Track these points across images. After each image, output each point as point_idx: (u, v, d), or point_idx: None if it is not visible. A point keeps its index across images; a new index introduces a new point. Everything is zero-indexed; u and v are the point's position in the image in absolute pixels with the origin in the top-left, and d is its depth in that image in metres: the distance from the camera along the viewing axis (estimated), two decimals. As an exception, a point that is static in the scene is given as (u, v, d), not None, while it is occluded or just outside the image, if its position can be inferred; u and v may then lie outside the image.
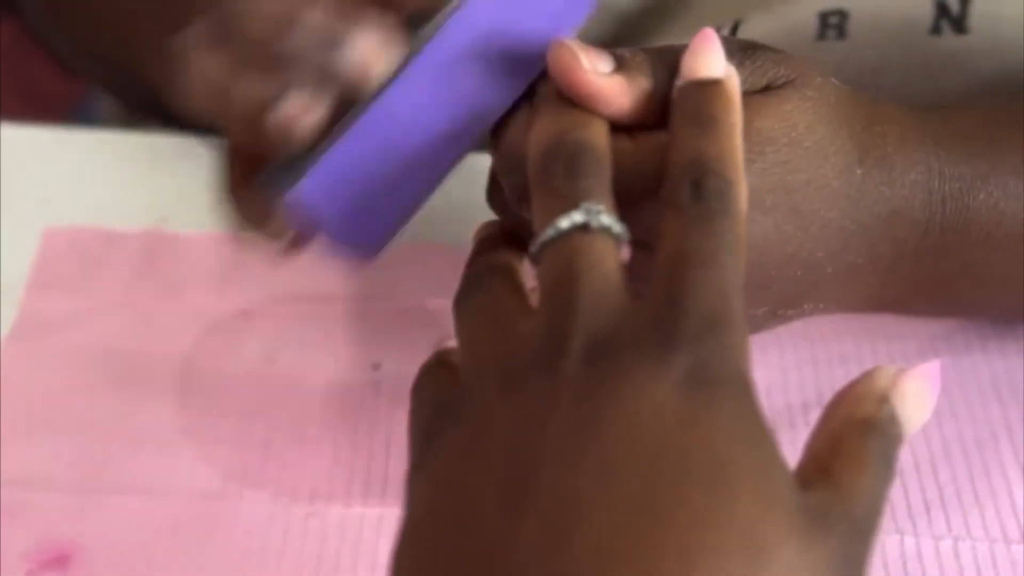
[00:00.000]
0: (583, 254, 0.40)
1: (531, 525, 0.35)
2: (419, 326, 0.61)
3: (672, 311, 0.38)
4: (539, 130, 0.44)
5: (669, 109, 0.44)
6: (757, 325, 0.49)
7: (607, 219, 0.40)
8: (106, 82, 0.76)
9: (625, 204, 0.42)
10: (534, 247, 0.41)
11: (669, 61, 0.45)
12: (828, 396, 0.52)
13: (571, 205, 0.41)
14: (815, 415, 0.55)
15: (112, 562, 0.53)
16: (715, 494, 0.35)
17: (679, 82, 0.44)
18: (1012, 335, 0.60)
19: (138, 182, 0.66)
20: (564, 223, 0.40)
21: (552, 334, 0.39)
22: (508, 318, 0.41)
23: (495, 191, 0.48)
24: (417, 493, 0.39)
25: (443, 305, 0.60)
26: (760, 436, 0.37)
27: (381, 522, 0.54)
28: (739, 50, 0.47)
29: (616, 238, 0.41)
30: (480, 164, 0.66)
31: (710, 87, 0.44)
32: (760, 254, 0.46)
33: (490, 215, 0.64)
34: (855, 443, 0.38)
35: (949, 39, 0.60)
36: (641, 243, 0.42)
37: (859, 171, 0.48)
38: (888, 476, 0.38)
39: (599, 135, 0.43)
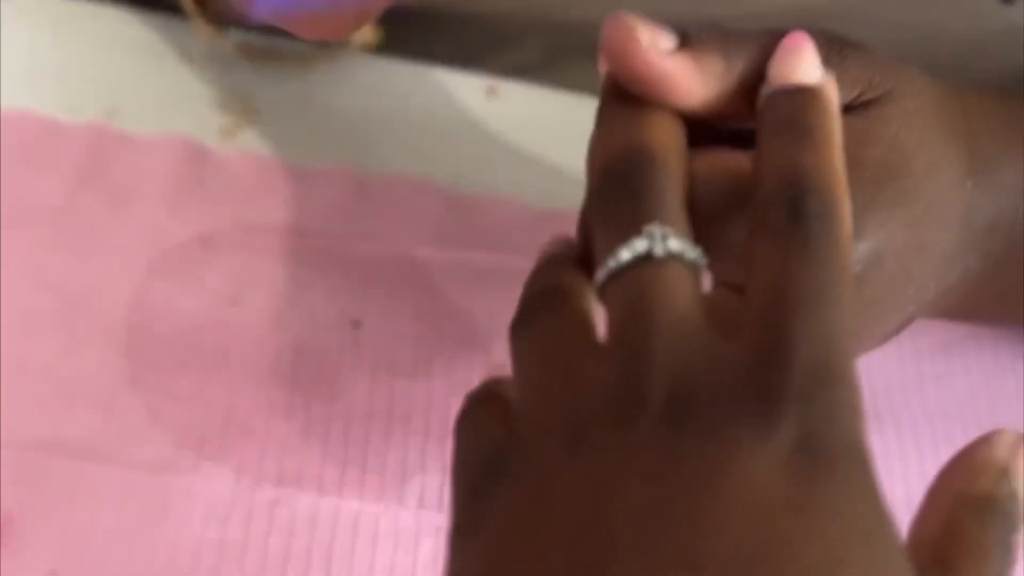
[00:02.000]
0: (652, 288, 0.33)
1: None
2: (404, 279, 0.54)
3: (773, 361, 0.32)
4: (598, 144, 0.37)
5: (756, 111, 0.37)
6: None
7: (676, 244, 0.34)
8: None
9: (707, 228, 0.36)
10: (598, 281, 0.35)
11: (747, 44, 0.39)
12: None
13: (633, 231, 0.34)
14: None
15: (49, 535, 0.46)
16: None
17: (766, 89, 0.37)
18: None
19: (86, 62, 0.57)
20: (625, 254, 0.34)
21: (626, 383, 0.32)
22: (573, 357, 0.34)
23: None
24: (464, 561, 0.33)
25: (432, 256, 0.54)
26: (879, 525, 0.31)
27: (358, 520, 0.48)
28: (825, 45, 0.39)
29: (691, 265, 0.34)
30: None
31: (804, 93, 0.37)
32: (885, 304, 0.41)
33: (495, 162, 0.57)
34: (973, 526, 0.33)
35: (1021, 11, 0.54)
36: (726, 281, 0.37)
37: (969, 183, 0.43)
38: (1008, 565, 0.33)
39: (665, 139, 0.37)
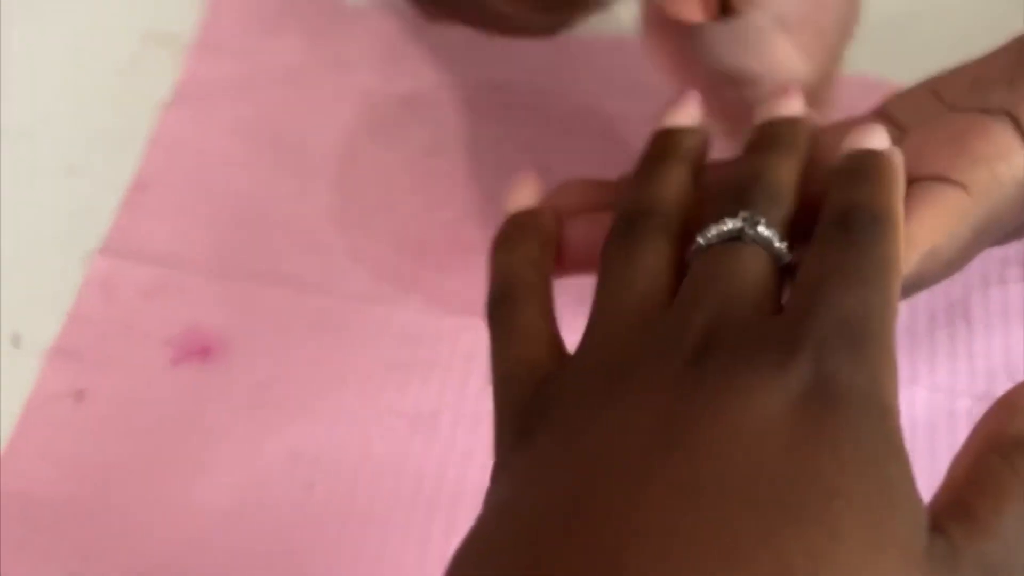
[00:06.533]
0: (727, 260, 0.36)
1: (580, 546, 0.30)
2: (593, 132, 0.56)
3: (802, 315, 0.34)
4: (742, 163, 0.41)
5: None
6: None
7: (766, 231, 0.37)
8: None
9: None
10: (686, 255, 0.38)
11: None
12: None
13: (731, 213, 0.38)
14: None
15: (253, 358, 0.50)
16: (812, 532, 0.29)
17: (842, 149, 0.40)
18: None
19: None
20: (716, 230, 0.37)
21: (670, 332, 0.35)
22: (645, 300, 0.37)
23: None
24: (495, 494, 0.35)
25: (622, 109, 0.56)
26: (885, 467, 0.31)
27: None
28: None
29: (773, 255, 0.37)
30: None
31: (874, 153, 0.39)
32: None
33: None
34: (999, 468, 0.32)
35: None
36: None
37: None
38: None
39: (785, 176, 0.40)
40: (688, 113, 0.44)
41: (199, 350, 0.50)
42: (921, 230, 0.40)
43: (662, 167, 0.42)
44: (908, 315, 0.51)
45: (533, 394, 0.36)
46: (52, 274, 0.52)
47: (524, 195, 0.43)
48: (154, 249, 0.53)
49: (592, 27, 0.58)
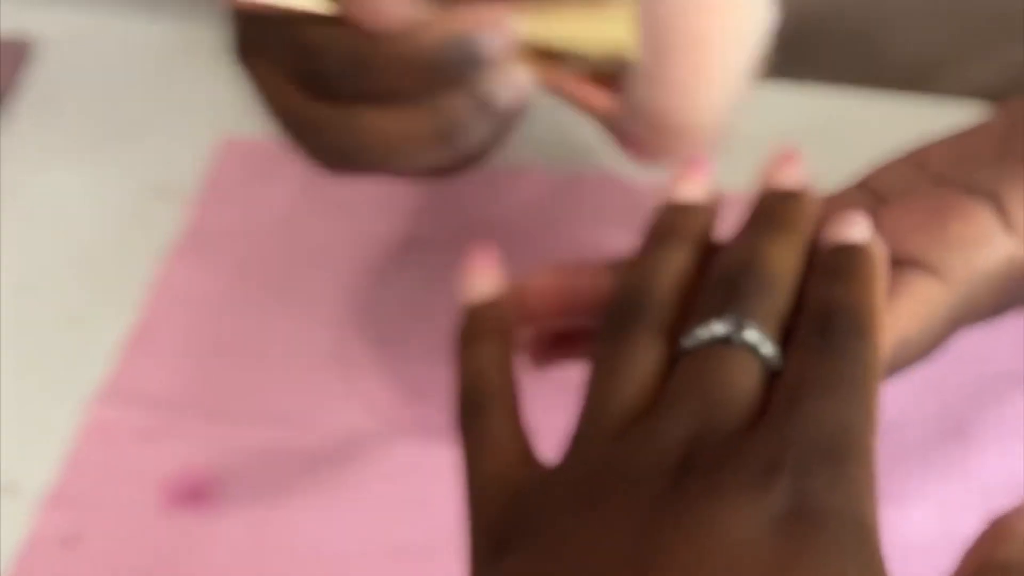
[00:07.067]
0: (712, 367, 0.35)
1: None
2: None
3: (780, 436, 0.33)
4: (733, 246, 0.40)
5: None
6: None
7: (753, 335, 0.36)
8: None
9: None
10: (675, 351, 0.37)
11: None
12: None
13: (720, 312, 0.36)
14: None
15: (246, 499, 0.51)
16: None
17: (822, 242, 0.39)
18: None
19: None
20: (703, 333, 0.36)
21: (650, 446, 0.34)
22: (633, 408, 0.36)
23: None
24: None
25: (616, 241, 0.57)
26: None
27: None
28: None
29: (762, 360, 0.36)
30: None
31: (853, 247, 0.39)
32: None
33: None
34: None
35: None
36: None
37: None
38: None
39: (781, 260, 0.38)
40: (697, 185, 0.41)
41: (192, 493, 0.50)
42: (894, 321, 0.39)
43: (664, 249, 0.40)
44: (906, 434, 0.50)
45: (506, 507, 0.35)
46: (49, 421, 0.53)
47: (483, 284, 0.41)
48: (151, 394, 0.53)
49: (578, 165, 0.59)
